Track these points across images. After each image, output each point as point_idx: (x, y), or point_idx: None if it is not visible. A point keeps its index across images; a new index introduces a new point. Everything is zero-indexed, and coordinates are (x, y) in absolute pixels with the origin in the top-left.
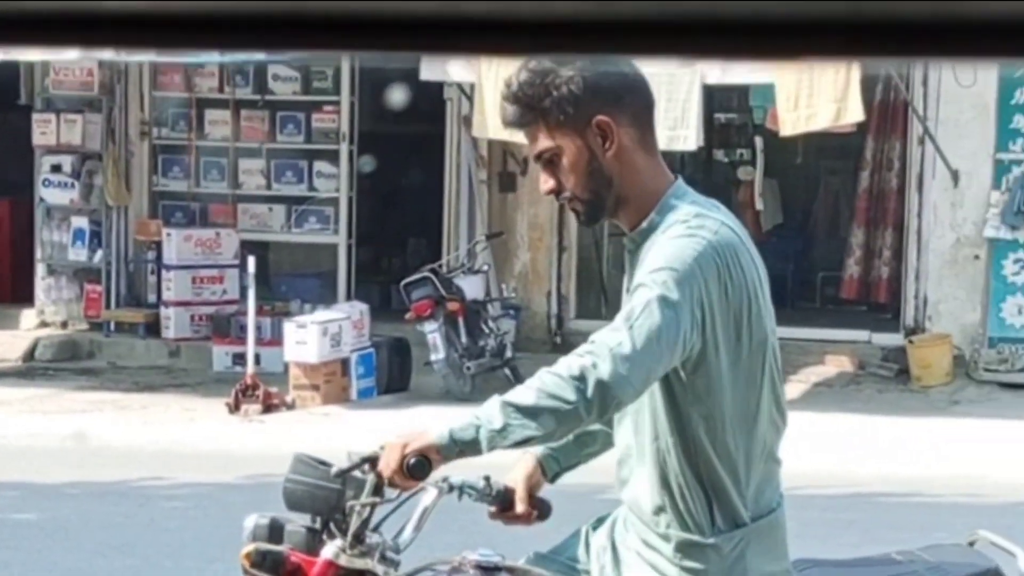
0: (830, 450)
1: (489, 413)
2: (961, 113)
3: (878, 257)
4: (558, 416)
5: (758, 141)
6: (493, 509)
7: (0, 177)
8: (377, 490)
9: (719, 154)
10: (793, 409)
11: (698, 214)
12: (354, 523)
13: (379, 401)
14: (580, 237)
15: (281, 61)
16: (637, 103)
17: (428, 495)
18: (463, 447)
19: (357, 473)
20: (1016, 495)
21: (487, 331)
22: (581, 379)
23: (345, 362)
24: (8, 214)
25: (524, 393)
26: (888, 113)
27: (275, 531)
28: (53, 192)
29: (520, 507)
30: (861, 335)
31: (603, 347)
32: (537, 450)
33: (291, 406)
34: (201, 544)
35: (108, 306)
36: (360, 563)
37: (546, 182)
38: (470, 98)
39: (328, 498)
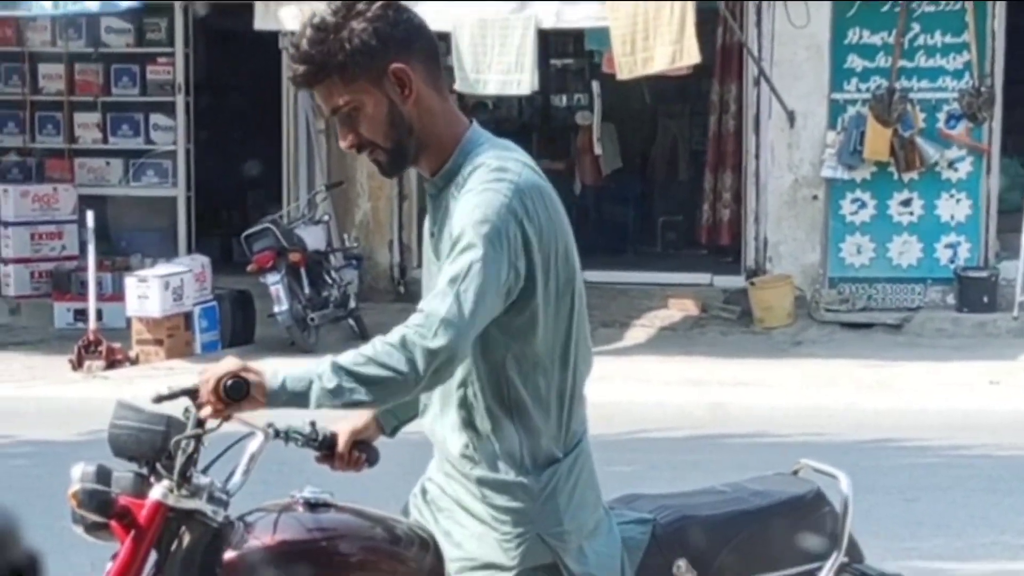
0: (675, 392)
1: (324, 372)
2: (795, 54)
3: (719, 200)
4: (389, 385)
5: (595, 85)
6: (319, 454)
7: None
8: (200, 424)
9: (556, 99)
10: (638, 353)
11: (499, 156)
12: (179, 460)
13: (223, 354)
14: (419, 184)
15: (114, 13)
16: (427, 48)
17: (255, 440)
18: (291, 397)
19: (181, 417)
20: (859, 432)
21: (330, 282)
22: (413, 349)
23: (188, 316)
24: None
25: (358, 359)
26: (724, 55)
27: (103, 477)
28: None
29: (340, 449)
30: (703, 278)
31: (434, 317)
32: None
33: (135, 361)
34: (46, 501)
35: None
36: (189, 503)
37: (345, 137)
38: None
39: (153, 440)
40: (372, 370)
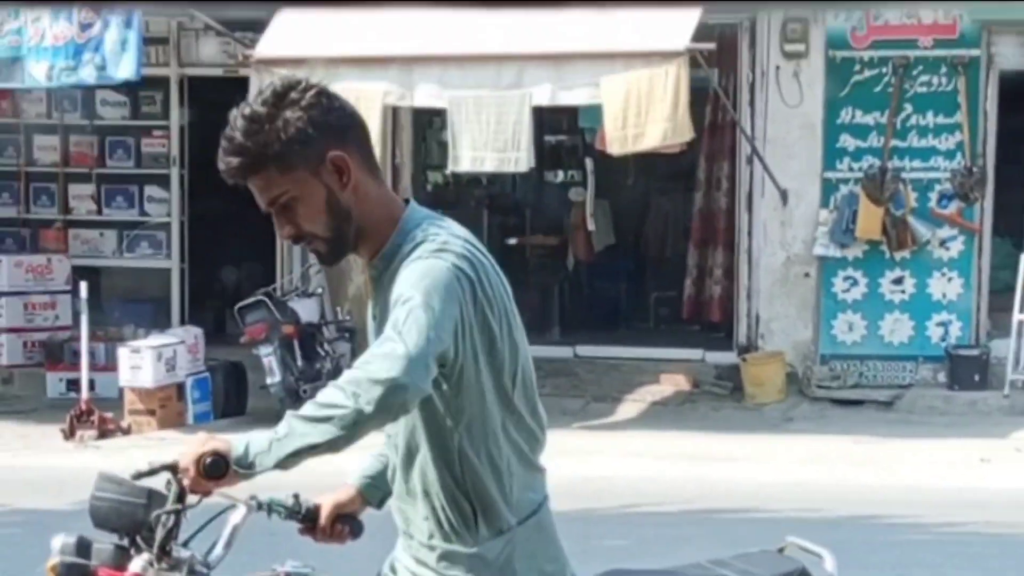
0: (667, 467)
1: (279, 425)
2: (788, 133)
3: (710, 277)
4: (337, 422)
5: (588, 162)
6: (301, 526)
7: None
8: (180, 499)
9: (550, 175)
10: (630, 428)
11: (439, 232)
12: (159, 534)
13: (216, 425)
14: None
15: (109, 85)
16: (360, 134)
17: (237, 512)
18: (255, 457)
19: (163, 490)
20: (850, 508)
21: (323, 354)
22: (357, 384)
23: (180, 386)
24: None
25: (308, 405)
26: (715, 132)
27: (83, 549)
28: None
29: (321, 522)
30: (695, 354)
31: (377, 355)
32: (354, 479)
33: (127, 431)
34: (32, 571)
35: None
36: None
37: (283, 228)
38: None
39: (133, 513)
40: (320, 411)
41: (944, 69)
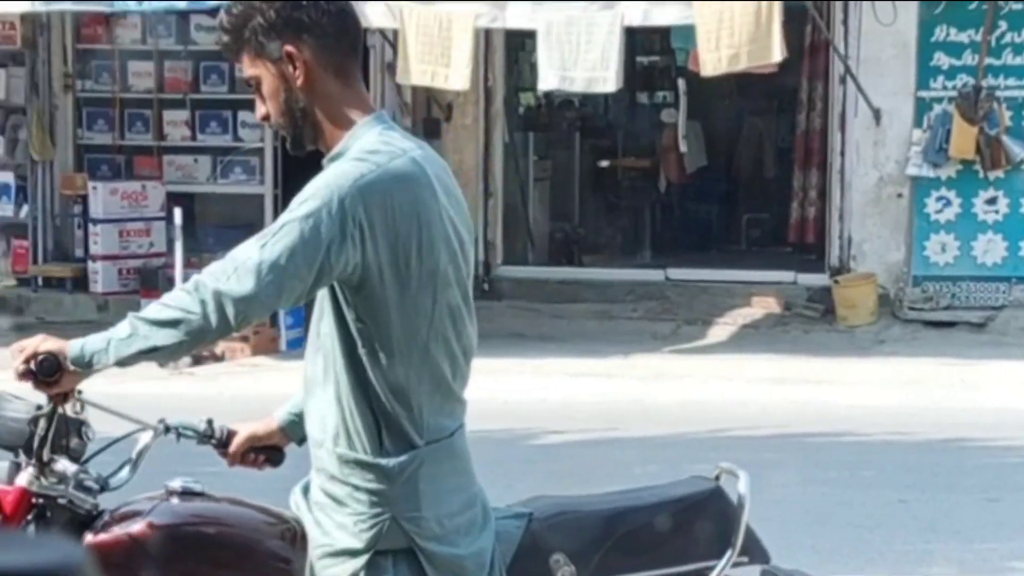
0: (758, 391)
1: (120, 325)
2: (882, 51)
3: (803, 197)
4: (182, 327)
5: (680, 83)
6: (217, 450)
7: None
8: (53, 409)
9: (642, 97)
10: (720, 351)
11: (379, 142)
12: (36, 442)
13: None
14: (506, 182)
15: (203, 10)
16: (331, 32)
17: (145, 435)
18: (92, 355)
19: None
20: (941, 431)
21: None
22: (204, 292)
23: (274, 313)
24: None
25: (153, 307)
26: (809, 52)
27: None
28: None
29: (231, 449)
30: (787, 276)
31: (230, 262)
32: (278, 414)
33: (220, 358)
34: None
35: (35, 261)
36: (55, 490)
37: (258, 108)
38: (393, 45)
39: (23, 429)
40: (164, 313)
41: None
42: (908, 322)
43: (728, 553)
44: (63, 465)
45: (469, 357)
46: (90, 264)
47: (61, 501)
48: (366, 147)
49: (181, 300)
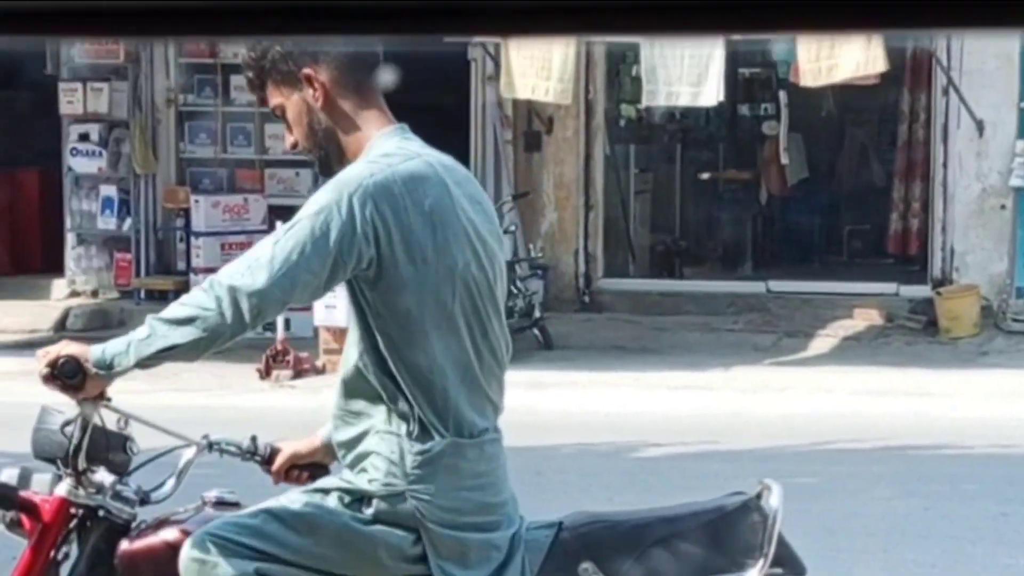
0: (860, 404)
1: (140, 327)
2: (985, 63)
3: (905, 209)
4: (199, 324)
5: (782, 95)
6: (263, 467)
7: (28, 147)
8: (85, 419)
9: (743, 109)
10: (822, 363)
11: (398, 148)
12: (70, 451)
13: None
14: (607, 195)
15: None
16: (348, 52)
17: (188, 450)
18: (112, 358)
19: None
20: None
21: (515, 291)
22: (220, 288)
23: None
24: (37, 184)
25: (170, 307)
26: (912, 64)
27: (23, 479)
28: (81, 161)
29: (274, 467)
30: (889, 288)
31: (245, 260)
32: (322, 431)
33: (321, 371)
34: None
35: (138, 274)
36: (93, 500)
37: (287, 138)
38: (495, 58)
39: (63, 442)
40: (181, 312)
41: None
42: (1011, 334)
43: (760, 563)
44: (101, 476)
45: (498, 356)
46: (192, 277)
47: (100, 512)
48: (381, 151)
49: (197, 298)
